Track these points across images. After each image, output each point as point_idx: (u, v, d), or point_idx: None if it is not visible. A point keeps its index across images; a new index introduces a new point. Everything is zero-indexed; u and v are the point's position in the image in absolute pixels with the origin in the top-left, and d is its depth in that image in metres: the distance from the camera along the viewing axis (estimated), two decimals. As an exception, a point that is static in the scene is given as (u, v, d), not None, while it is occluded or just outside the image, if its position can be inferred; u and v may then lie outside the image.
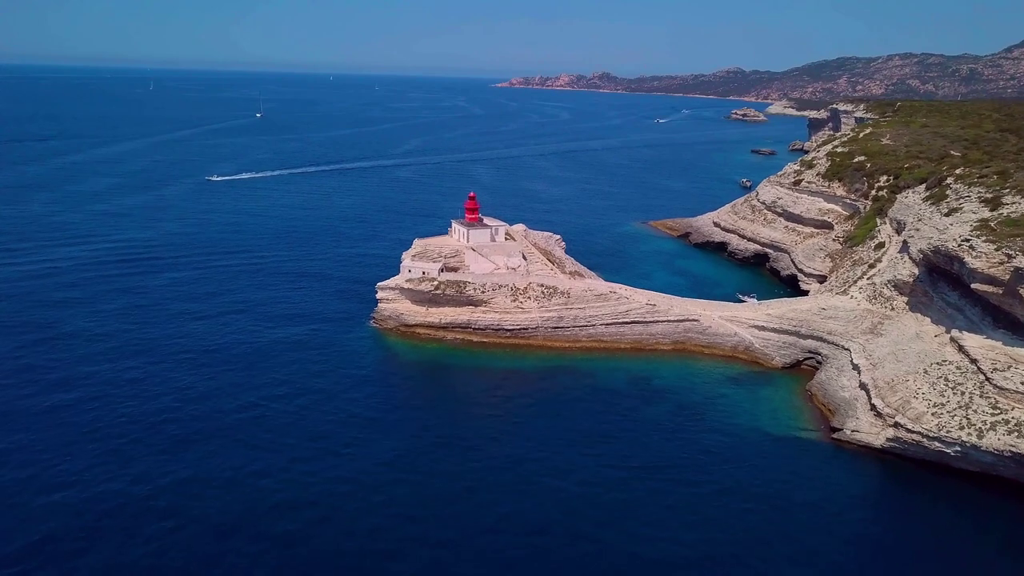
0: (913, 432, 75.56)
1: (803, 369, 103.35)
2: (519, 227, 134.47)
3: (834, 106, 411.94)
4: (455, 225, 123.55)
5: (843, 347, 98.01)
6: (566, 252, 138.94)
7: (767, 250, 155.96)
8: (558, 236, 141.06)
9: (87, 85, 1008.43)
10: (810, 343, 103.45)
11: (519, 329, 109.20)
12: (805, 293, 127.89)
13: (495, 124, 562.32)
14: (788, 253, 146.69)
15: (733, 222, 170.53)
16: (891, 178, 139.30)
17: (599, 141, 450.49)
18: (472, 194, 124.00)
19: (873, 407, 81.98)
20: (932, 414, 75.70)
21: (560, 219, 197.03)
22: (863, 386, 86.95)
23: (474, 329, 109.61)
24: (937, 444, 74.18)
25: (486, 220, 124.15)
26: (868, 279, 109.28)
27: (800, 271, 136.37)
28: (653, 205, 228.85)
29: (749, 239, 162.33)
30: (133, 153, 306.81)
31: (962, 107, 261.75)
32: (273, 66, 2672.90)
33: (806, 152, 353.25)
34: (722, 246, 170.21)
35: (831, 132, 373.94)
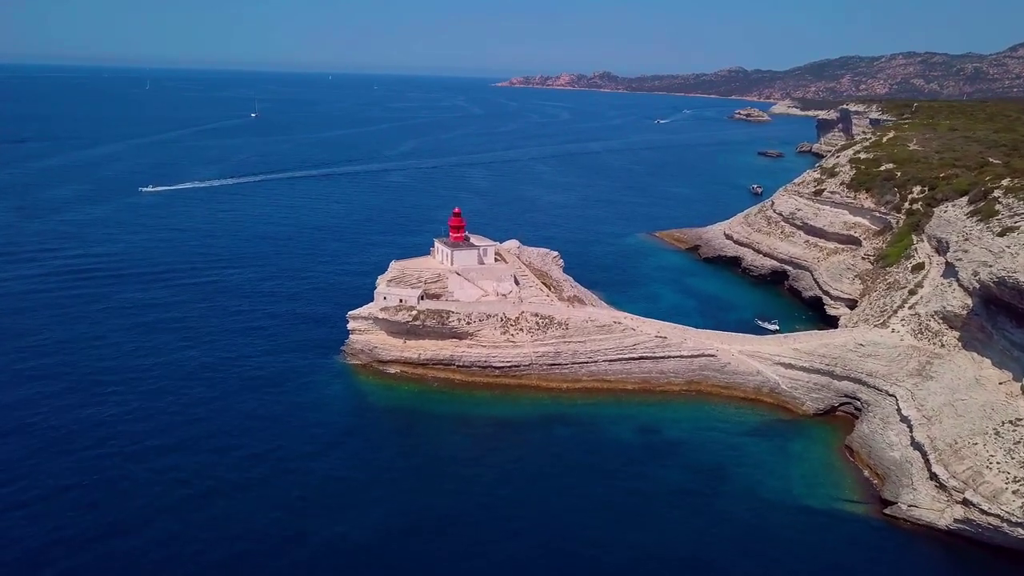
0: (989, 514, 61.49)
1: (839, 416, 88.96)
2: (512, 243, 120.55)
3: (844, 106, 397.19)
4: (438, 245, 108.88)
5: (887, 392, 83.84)
6: (564, 270, 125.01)
7: (786, 267, 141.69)
8: (555, 253, 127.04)
9: (84, 85, 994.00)
10: (846, 385, 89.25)
11: (510, 366, 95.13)
12: (833, 319, 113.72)
13: (494, 124, 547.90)
14: (810, 271, 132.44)
15: (747, 235, 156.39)
16: (926, 189, 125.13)
17: (600, 142, 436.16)
18: (457, 210, 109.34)
19: (934, 476, 67.91)
20: (1013, 492, 61.59)
21: (559, 229, 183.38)
22: (917, 445, 72.83)
23: (458, 366, 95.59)
24: (1021, 531, 60.11)
25: (473, 239, 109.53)
26: (910, 308, 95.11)
27: (826, 293, 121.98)
28: (658, 213, 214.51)
29: (765, 254, 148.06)
30: (113, 156, 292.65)
31: (987, 108, 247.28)
32: (272, 66, 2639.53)
33: (817, 155, 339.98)
34: (735, 261, 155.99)
35: (842, 133, 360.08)
